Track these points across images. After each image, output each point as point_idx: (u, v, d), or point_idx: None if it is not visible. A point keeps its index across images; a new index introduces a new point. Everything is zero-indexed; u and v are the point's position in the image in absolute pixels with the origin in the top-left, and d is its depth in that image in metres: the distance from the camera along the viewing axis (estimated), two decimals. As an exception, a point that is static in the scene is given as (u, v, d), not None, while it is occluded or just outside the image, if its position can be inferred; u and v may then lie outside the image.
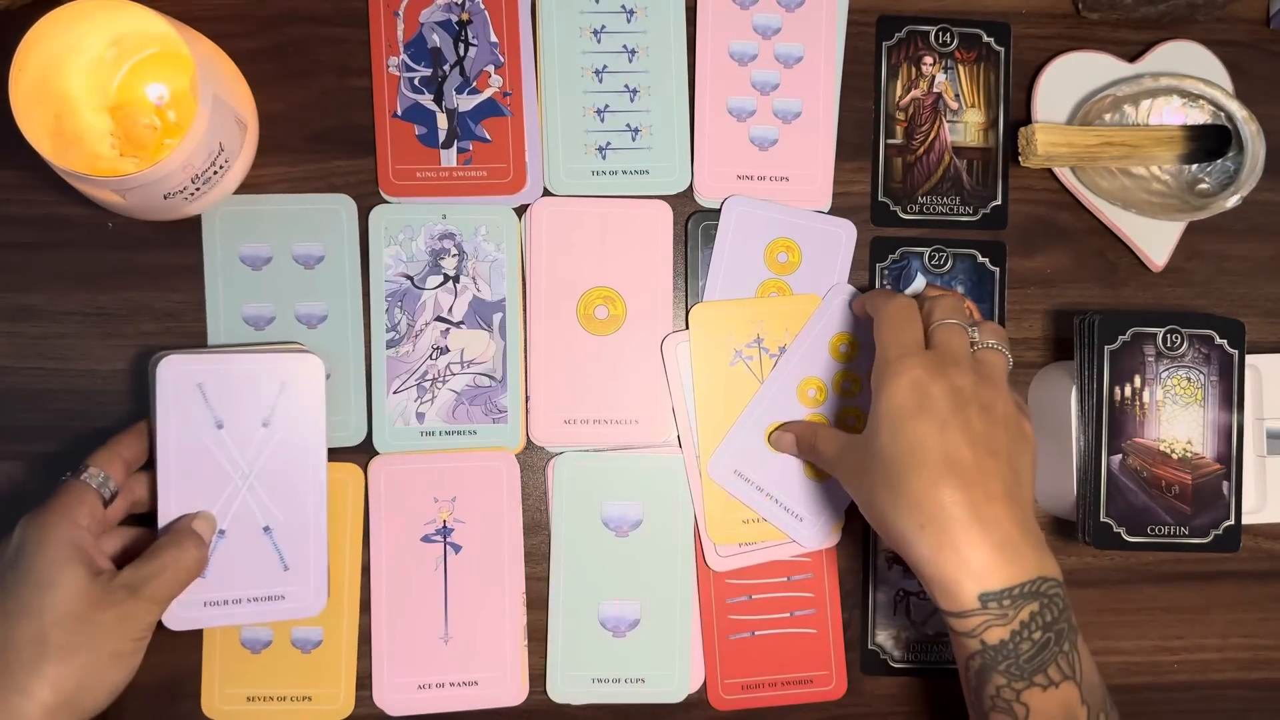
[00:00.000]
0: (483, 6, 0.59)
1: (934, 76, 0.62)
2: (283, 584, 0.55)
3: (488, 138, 0.59)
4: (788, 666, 0.59)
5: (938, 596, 0.46)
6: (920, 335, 0.51)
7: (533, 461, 0.59)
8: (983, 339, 0.52)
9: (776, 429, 0.59)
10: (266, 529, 0.54)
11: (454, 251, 0.59)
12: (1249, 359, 0.58)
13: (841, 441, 0.53)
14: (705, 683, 0.59)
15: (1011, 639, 0.45)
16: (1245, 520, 0.57)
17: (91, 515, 0.49)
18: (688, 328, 0.59)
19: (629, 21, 0.60)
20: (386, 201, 0.59)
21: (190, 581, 0.51)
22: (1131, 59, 0.62)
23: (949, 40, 0.62)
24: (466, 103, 0.59)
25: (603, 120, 0.60)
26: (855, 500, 0.51)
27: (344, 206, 0.59)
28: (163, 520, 0.54)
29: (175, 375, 0.54)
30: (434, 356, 0.59)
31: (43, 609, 0.46)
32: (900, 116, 0.62)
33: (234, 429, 0.54)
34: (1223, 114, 0.60)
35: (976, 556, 0.45)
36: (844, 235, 0.60)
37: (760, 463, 0.59)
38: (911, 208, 0.61)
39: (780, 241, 0.60)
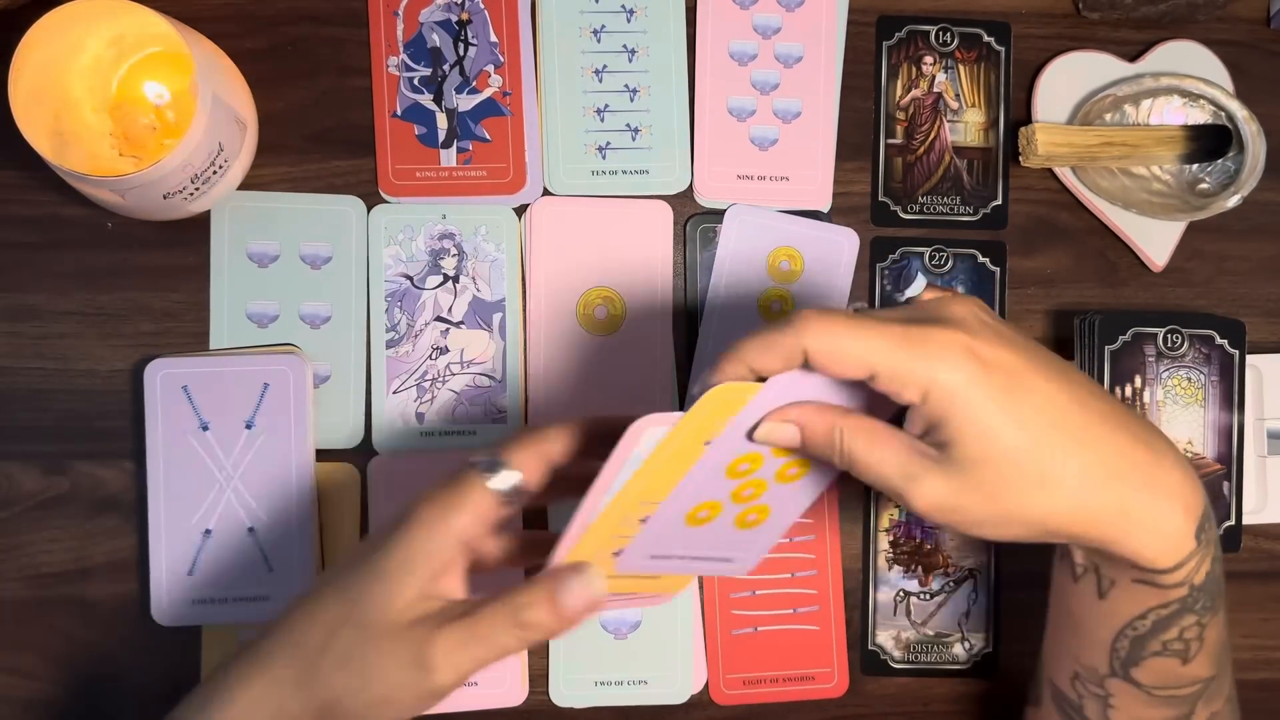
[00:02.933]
0: (482, 6, 0.59)
1: (934, 76, 0.62)
2: (268, 585, 0.55)
3: (488, 138, 0.59)
4: (790, 663, 0.59)
5: (1148, 559, 0.37)
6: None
7: (533, 462, 0.59)
8: (937, 298, 0.40)
9: (770, 421, 0.40)
10: (251, 530, 0.55)
11: (454, 251, 0.59)
12: (1249, 359, 0.58)
13: (914, 457, 0.38)
14: (707, 679, 0.59)
15: (1213, 567, 0.38)
16: (1245, 520, 0.57)
17: (477, 523, 0.41)
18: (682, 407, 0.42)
19: (629, 21, 0.60)
20: (386, 201, 0.59)
21: (502, 658, 0.40)
22: (1132, 59, 0.62)
23: (949, 40, 0.62)
24: (466, 102, 0.59)
25: (603, 120, 0.60)
26: (964, 526, 0.38)
27: (354, 208, 0.58)
28: (153, 523, 0.54)
29: (162, 377, 0.55)
30: (434, 356, 0.59)
31: (356, 602, 0.39)
32: (900, 116, 0.62)
33: (218, 430, 0.54)
34: (1223, 114, 0.60)
35: (1174, 480, 0.37)
36: (846, 243, 0.60)
37: (671, 537, 0.45)
38: (912, 208, 0.61)
39: (782, 250, 0.60)
